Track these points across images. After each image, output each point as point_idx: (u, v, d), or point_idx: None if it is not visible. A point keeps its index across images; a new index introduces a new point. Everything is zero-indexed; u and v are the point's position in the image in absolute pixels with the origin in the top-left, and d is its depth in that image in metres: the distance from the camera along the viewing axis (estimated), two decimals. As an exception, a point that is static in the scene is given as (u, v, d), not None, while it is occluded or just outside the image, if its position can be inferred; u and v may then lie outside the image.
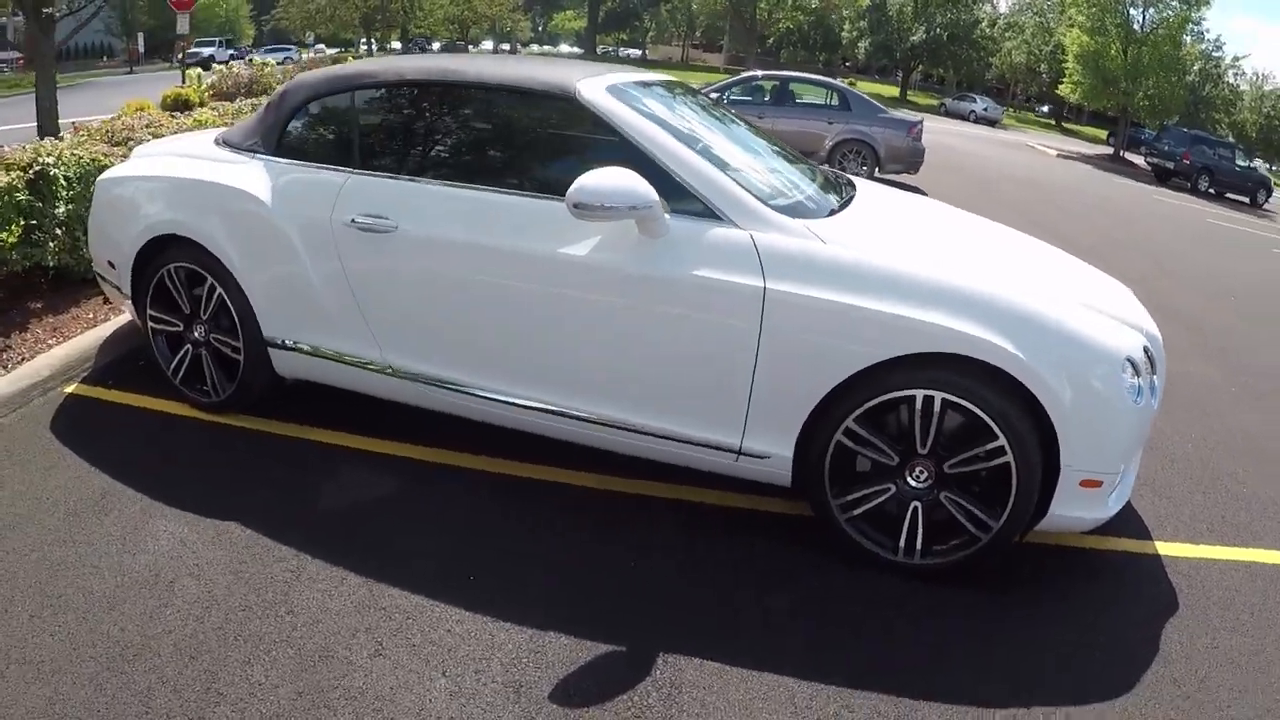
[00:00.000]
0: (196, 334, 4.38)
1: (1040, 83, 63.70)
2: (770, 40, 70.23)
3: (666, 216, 3.25)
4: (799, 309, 3.11)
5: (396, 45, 39.73)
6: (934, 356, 3.03)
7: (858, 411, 3.16)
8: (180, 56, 21.36)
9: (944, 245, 3.76)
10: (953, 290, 3.08)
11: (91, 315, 5.42)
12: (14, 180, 5.06)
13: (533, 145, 3.91)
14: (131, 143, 6.42)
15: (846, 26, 64.13)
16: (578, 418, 3.56)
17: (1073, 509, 3.19)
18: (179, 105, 14.46)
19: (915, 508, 3.25)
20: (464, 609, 3.07)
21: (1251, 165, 35.55)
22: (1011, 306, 3.07)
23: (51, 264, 5.42)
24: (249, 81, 15.74)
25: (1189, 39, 36.67)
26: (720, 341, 3.22)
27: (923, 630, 3.13)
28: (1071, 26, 38.93)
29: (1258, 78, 65.67)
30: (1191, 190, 31.31)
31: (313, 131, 4.16)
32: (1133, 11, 36.11)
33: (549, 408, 3.60)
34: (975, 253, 3.77)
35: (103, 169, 5.59)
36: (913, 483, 3.25)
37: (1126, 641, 3.20)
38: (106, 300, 5.62)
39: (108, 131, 6.65)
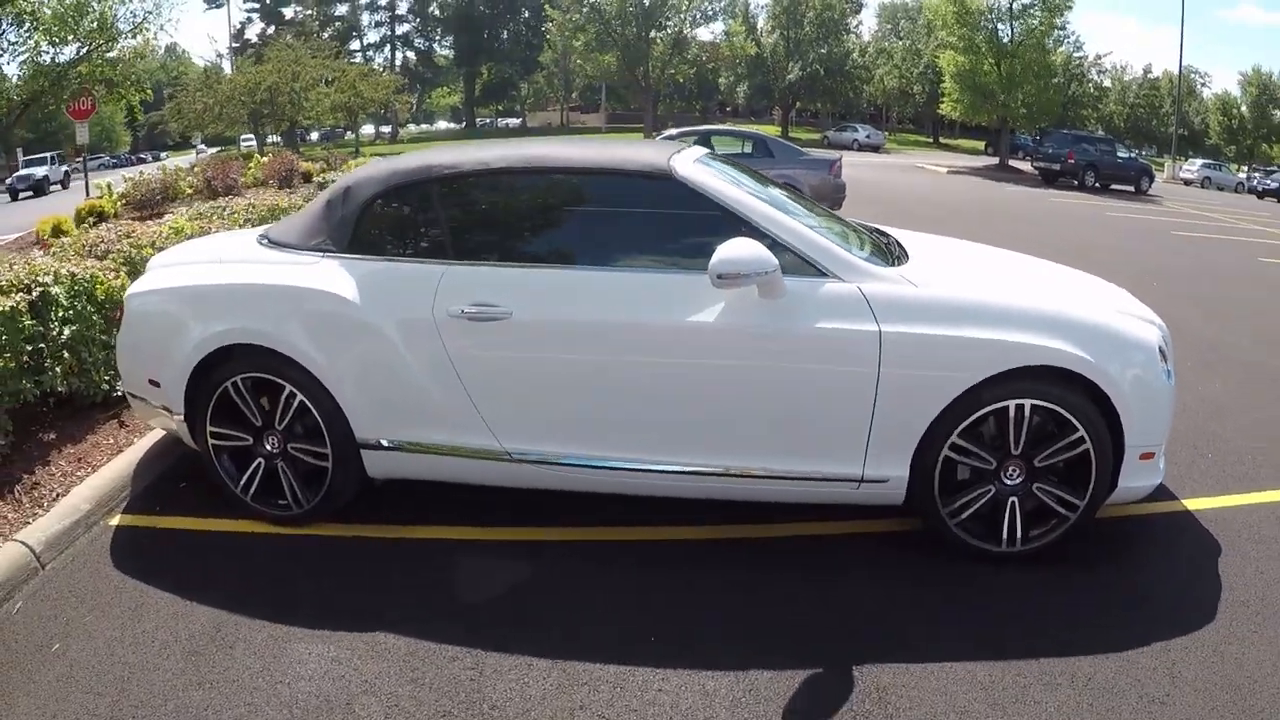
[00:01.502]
0: (269, 446, 4.11)
1: (914, 104, 66.16)
2: (634, 103, 71.66)
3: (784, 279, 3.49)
4: (910, 346, 3.46)
5: (277, 139, 39.13)
6: (1021, 370, 3.46)
7: (960, 427, 3.54)
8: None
9: (995, 275, 4.28)
10: (1027, 312, 3.58)
11: (111, 440, 5.00)
12: (18, 304, 4.65)
13: (634, 223, 4.05)
14: (111, 255, 6.03)
15: (724, 73, 65.74)
16: (707, 474, 3.72)
17: (1136, 479, 3.70)
18: (93, 217, 13.85)
19: (1013, 502, 3.67)
20: (662, 667, 3.10)
21: (1133, 155, 37.44)
22: (1074, 319, 3.59)
23: (62, 389, 4.99)
24: (163, 188, 15.15)
25: (1052, 44, 38.43)
26: (844, 385, 3.52)
27: (1045, 602, 3.55)
28: (943, 48, 40.57)
29: (1118, 70, 69.56)
30: (1080, 187, 32.78)
31: (390, 226, 4.09)
32: (1000, 26, 37.81)
33: (679, 469, 3.73)
34: (1020, 278, 4.33)
35: (102, 286, 5.24)
36: (1008, 481, 3.67)
37: (1190, 581, 3.75)
38: (122, 423, 5.21)
39: (84, 245, 6.23)
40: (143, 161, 47.87)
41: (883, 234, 4.60)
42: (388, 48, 75.97)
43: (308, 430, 4.01)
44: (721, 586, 3.63)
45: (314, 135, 56.57)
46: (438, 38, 79.37)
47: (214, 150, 29.05)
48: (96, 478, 4.55)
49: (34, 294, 4.85)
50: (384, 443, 3.93)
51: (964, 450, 3.60)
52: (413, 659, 3.15)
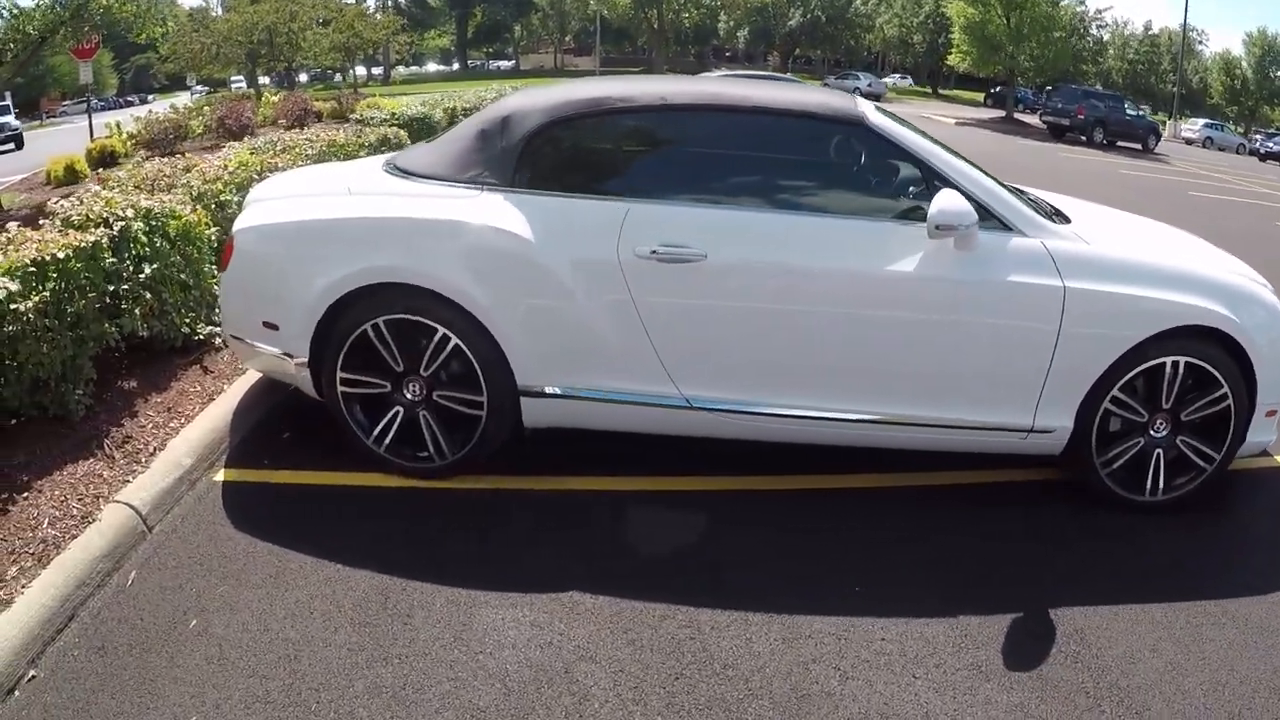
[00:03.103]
0: (410, 393, 3.81)
1: (914, 53, 65.31)
2: (642, 40, 70.45)
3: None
4: (1089, 302, 3.55)
5: (265, 80, 38.16)
6: (1179, 329, 3.61)
7: (1121, 381, 3.67)
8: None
9: (1144, 236, 4.40)
10: (1184, 274, 3.75)
11: (198, 388, 4.64)
12: (100, 239, 4.26)
13: (826, 169, 4.08)
14: (177, 189, 5.62)
15: (723, 17, 64.58)
16: (885, 422, 3.72)
17: (1261, 434, 3.89)
18: (104, 158, 13.34)
19: (1158, 454, 3.83)
20: (880, 617, 3.09)
21: (1140, 113, 37.06)
22: (1220, 281, 3.80)
23: (143, 333, 4.62)
24: (174, 127, 14.58)
25: (1063, -2, 37.85)
26: (1026, 338, 3.59)
27: (1193, 549, 3.74)
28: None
29: (1118, 25, 68.87)
30: (1088, 143, 32.46)
31: (560, 160, 3.85)
32: (1010, -23, 37.19)
33: (859, 416, 3.71)
34: (1163, 240, 4.41)
35: (177, 221, 4.86)
36: (1155, 434, 3.83)
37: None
38: (206, 369, 4.85)
39: (144, 179, 5.80)
40: (130, 105, 46.45)
41: (1025, 192, 4.41)
42: (381, -13, 74.12)
43: (457, 376, 3.73)
44: (897, 536, 3.64)
45: (303, 77, 55.26)
46: (431, -24, 77.53)
47: (205, 92, 28.09)
48: (192, 429, 4.21)
49: (114, 229, 4.44)
50: (551, 390, 3.69)
51: (1121, 404, 3.72)
52: (620, 619, 2.98)
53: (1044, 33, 36.91)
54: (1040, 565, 3.50)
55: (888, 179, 3.92)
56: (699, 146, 4.00)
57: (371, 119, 11.27)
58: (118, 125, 14.95)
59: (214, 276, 5.27)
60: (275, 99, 19.70)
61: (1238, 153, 44.35)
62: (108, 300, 4.37)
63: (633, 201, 3.63)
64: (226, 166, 6.23)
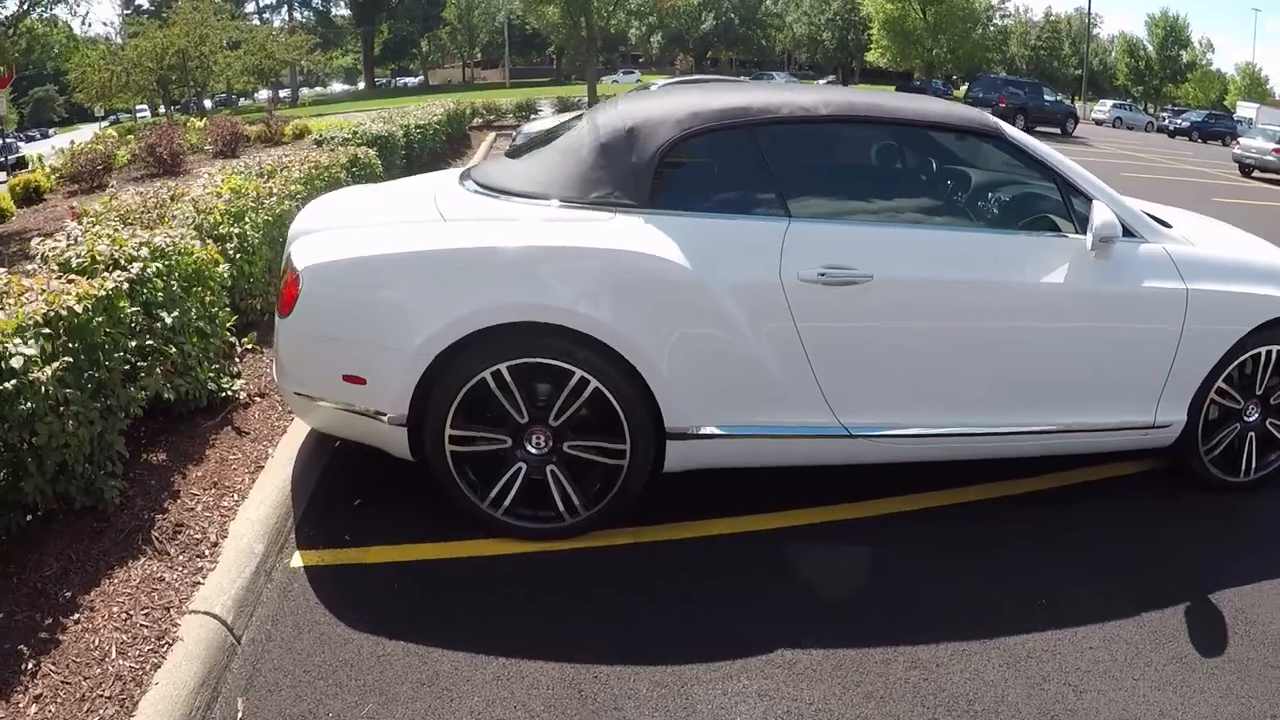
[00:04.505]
0: (535, 446, 3.36)
1: (823, 50, 65.91)
2: (550, 49, 69.83)
3: None
4: (1206, 301, 3.65)
5: (164, 109, 36.50)
6: (1274, 320, 3.76)
7: (1224, 373, 3.79)
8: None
9: (1230, 236, 4.44)
10: (1273, 269, 3.91)
11: (238, 454, 3.92)
12: (118, 286, 3.52)
13: (967, 180, 4.03)
14: (170, 223, 4.84)
15: (634, 23, 64.21)
16: (1031, 432, 3.67)
17: None
18: (29, 194, 12.27)
19: (1250, 437, 3.99)
20: (1076, 626, 3.07)
21: (1058, 98, 37.78)
22: None
23: (169, 396, 3.88)
24: (101, 158, 13.48)
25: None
26: (1157, 339, 3.66)
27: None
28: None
29: (1020, 13, 70.65)
30: (1013, 129, 32.81)
31: (699, 176, 3.58)
32: (926, -28, 37.65)
33: (1007, 429, 3.64)
34: (1242, 238, 4.44)
35: (188, 259, 4.14)
36: (1248, 418, 3.98)
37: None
38: (239, 431, 4.12)
39: (127, 211, 5.00)
40: (32, 139, 43.90)
41: None
42: (284, 8, 71.95)
43: (593, 423, 3.33)
44: (1038, 542, 3.63)
45: (207, 103, 53.35)
46: (334, -5, 75.49)
47: (109, 122, 26.54)
48: (250, 507, 3.50)
49: (131, 272, 3.69)
50: (705, 430, 3.34)
51: (1224, 393, 3.88)
52: (844, 671, 2.78)
53: (961, 25, 37.37)
54: (1178, 552, 3.61)
55: (1019, 190, 3.93)
56: (845, 159, 3.93)
57: (332, 138, 10.44)
58: (40, 158, 13.79)
59: (229, 322, 4.54)
60: (200, 124, 18.55)
61: (1146, 130, 45.62)
62: (131, 359, 3.62)
63: (788, 220, 3.36)
64: (219, 193, 5.46)
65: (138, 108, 39.56)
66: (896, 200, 3.85)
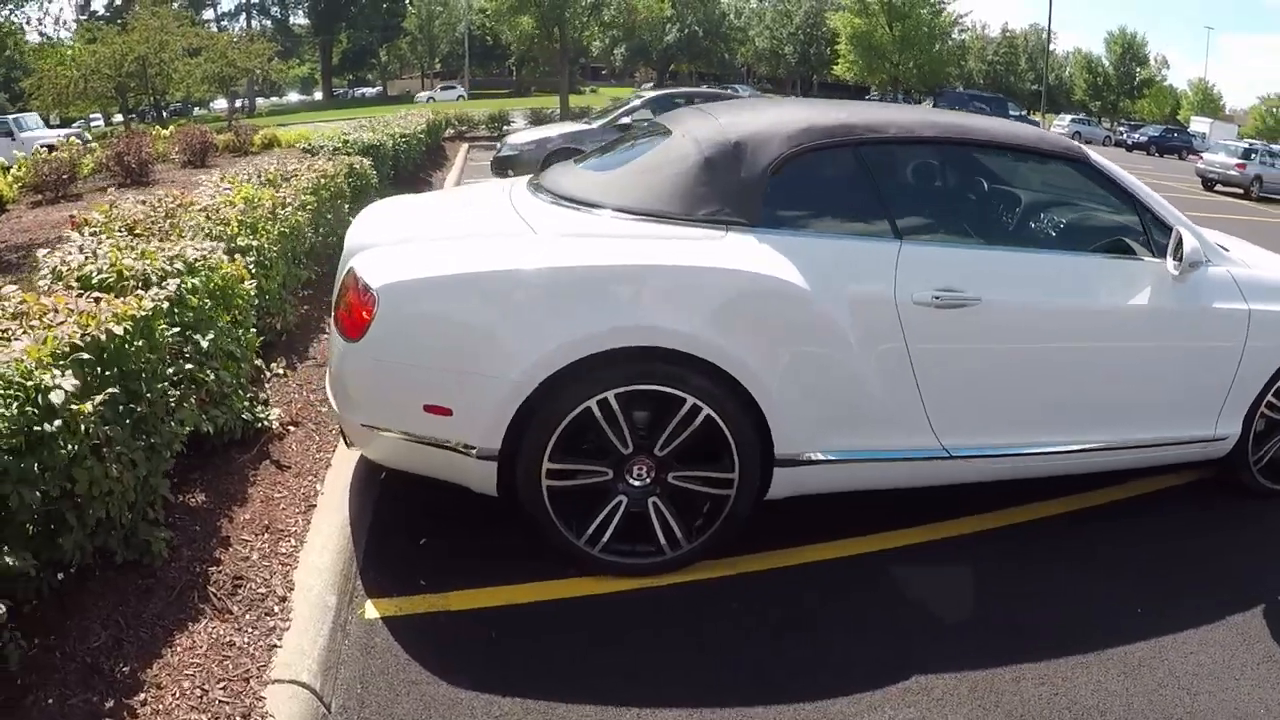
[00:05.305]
0: (637, 478, 3.13)
1: (785, 64, 66.17)
2: (510, 60, 69.48)
3: None
4: (1265, 320, 3.77)
5: (120, 118, 35.54)
6: None
7: (1275, 386, 3.92)
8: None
9: (1274, 258, 4.45)
10: None
11: (284, 491, 3.52)
12: (158, 306, 3.11)
13: (1056, 204, 4.08)
14: (185, 234, 4.42)
15: (597, 34, 64.03)
16: (1110, 448, 3.72)
17: None
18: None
19: None
20: (1173, 633, 3.12)
21: (1023, 113, 38.23)
22: None
23: (208, 428, 3.47)
24: (66, 166, 12.88)
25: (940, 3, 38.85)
26: (1222, 356, 3.76)
27: None
28: (836, 10, 40.51)
29: (978, 29, 71.61)
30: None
31: (810, 194, 3.47)
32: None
33: (1089, 446, 3.68)
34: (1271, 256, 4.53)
35: (217, 275, 3.74)
36: None
37: None
38: (279, 465, 3.71)
39: (133, 224, 4.55)
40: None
41: None
42: (243, 16, 70.73)
43: (700, 451, 3.13)
44: (1113, 552, 3.69)
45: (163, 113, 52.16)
46: (293, 3, 74.35)
47: (63, 132, 25.55)
48: (311, 553, 3.11)
49: (170, 288, 3.28)
50: (813, 455, 3.21)
51: (1273, 406, 3.99)
52: (979, 693, 2.74)
53: (928, 40, 37.72)
54: (1235, 557, 3.73)
55: (1094, 214, 3.97)
56: (943, 181, 3.94)
57: (322, 148, 9.96)
58: (2, 166, 13.15)
59: (255, 344, 4.13)
60: (166, 133, 17.91)
61: (1105, 145, 46.22)
62: (169, 389, 3.21)
63: (899, 242, 3.30)
64: (232, 203, 5.03)
65: (92, 116, 38.42)
66: (992, 223, 3.96)
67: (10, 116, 24.95)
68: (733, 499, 3.17)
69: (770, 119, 3.49)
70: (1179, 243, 3.50)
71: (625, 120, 15.56)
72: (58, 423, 2.43)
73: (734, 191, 3.22)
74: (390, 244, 3.22)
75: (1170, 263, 3.52)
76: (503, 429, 2.93)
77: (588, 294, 2.96)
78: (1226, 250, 3.99)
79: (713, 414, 3.03)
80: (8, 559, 2.26)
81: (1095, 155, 3.83)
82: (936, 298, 3.23)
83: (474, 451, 2.96)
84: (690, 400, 3.00)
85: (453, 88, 66.49)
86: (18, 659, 2.25)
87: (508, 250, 3.08)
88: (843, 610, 3.13)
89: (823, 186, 3.51)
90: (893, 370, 3.25)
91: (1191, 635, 3.10)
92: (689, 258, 3.07)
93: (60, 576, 2.67)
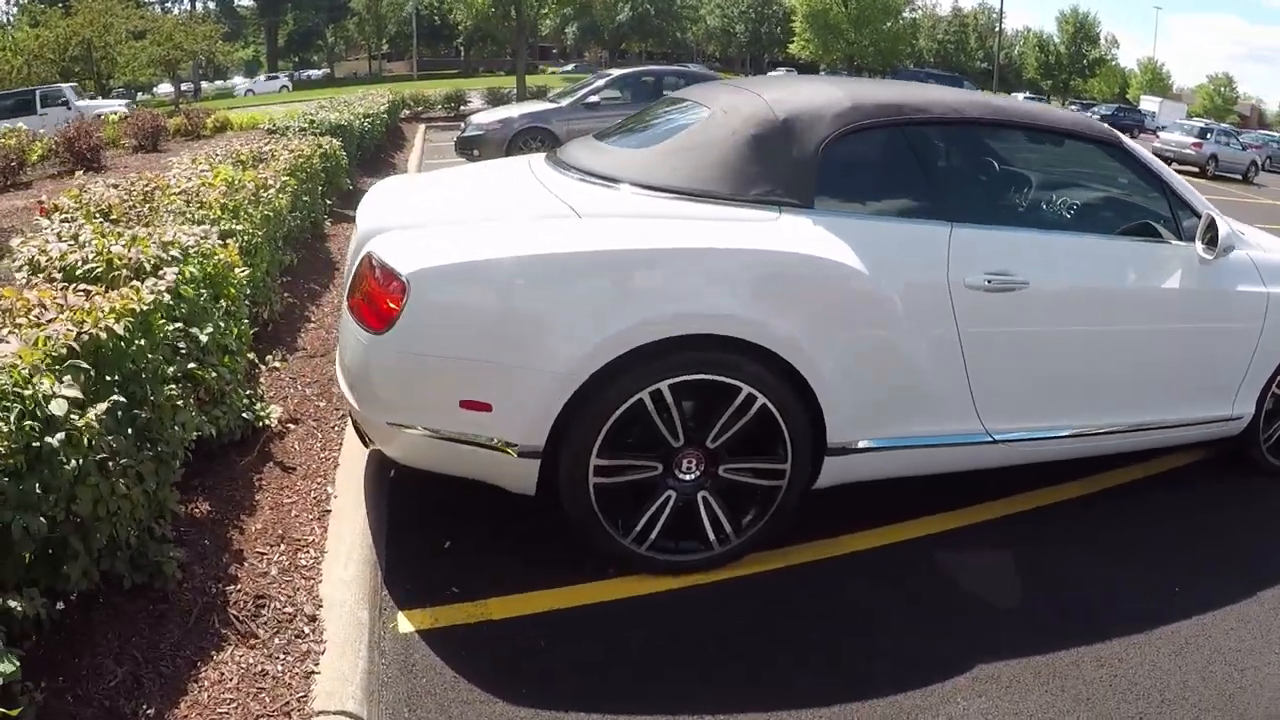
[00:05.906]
0: (685, 472, 2.97)
1: (737, 43, 65.92)
2: (458, 40, 68.55)
3: None
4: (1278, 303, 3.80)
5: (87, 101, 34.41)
6: None
7: None
8: None
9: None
10: None
11: (293, 496, 3.24)
12: (158, 298, 2.81)
13: (1091, 188, 4.14)
14: (163, 217, 4.10)
15: (553, 11, 63.29)
16: (1140, 429, 3.74)
17: None
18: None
19: None
20: (1213, 610, 3.15)
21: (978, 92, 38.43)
22: None
23: (211, 430, 3.18)
24: (14, 152, 12.30)
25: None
26: (1243, 338, 3.82)
27: None
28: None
29: (928, 7, 71.97)
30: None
31: (861, 174, 3.36)
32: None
33: (1120, 427, 3.69)
34: None
35: (210, 263, 3.46)
36: None
37: None
38: (285, 467, 3.44)
39: (109, 208, 4.22)
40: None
41: None
42: (186, -1, 68.68)
43: (751, 442, 2.99)
44: (1144, 530, 3.70)
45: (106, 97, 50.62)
46: (238, -16, 72.43)
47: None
48: (337, 565, 2.85)
49: (169, 279, 2.98)
50: (864, 443, 3.13)
51: None
52: (1044, 676, 2.72)
53: (882, 15, 37.77)
54: (1247, 534, 3.79)
55: (1123, 197, 4.00)
56: (986, 162, 3.96)
57: (288, 128, 9.54)
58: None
59: (249, 336, 3.83)
60: (115, 118, 17.25)
61: (1057, 123, 46.69)
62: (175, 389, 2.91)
63: (950, 225, 3.21)
64: (213, 185, 4.69)
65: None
66: (1035, 205, 3.96)
67: (67, 86, 23.75)
68: (784, 490, 3.06)
69: (813, 96, 3.35)
70: (1211, 227, 3.50)
71: (594, 99, 15.30)
72: (60, 436, 2.14)
73: (786, 171, 3.09)
74: (411, 226, 2.96)
75: (1201, 246, 3.52)
76: (548, 425, 2.74)
77: (641, 279, 2.81)
78: (1244, 235, 4.03)
79: (768, 403, 2.90)
80: (11, 602, 1.97)
81: (1128, 141, 3.84)
82: (989, 281, 3.18)
83: (515, 449, 2.74)
84: (745, 389, 2.87)
85: (276, 78, 63.02)
86: (33, 714, 1.96)
87: (555, 233, 2.85)
88: (897, 599, 3.08)
89: (871, 167, 3.42)
90: (943, 354, 3.19)
91: (1230, 612, 3.13)
92: (749, 240, 2.92)
93: (60, 606, 2.37)
